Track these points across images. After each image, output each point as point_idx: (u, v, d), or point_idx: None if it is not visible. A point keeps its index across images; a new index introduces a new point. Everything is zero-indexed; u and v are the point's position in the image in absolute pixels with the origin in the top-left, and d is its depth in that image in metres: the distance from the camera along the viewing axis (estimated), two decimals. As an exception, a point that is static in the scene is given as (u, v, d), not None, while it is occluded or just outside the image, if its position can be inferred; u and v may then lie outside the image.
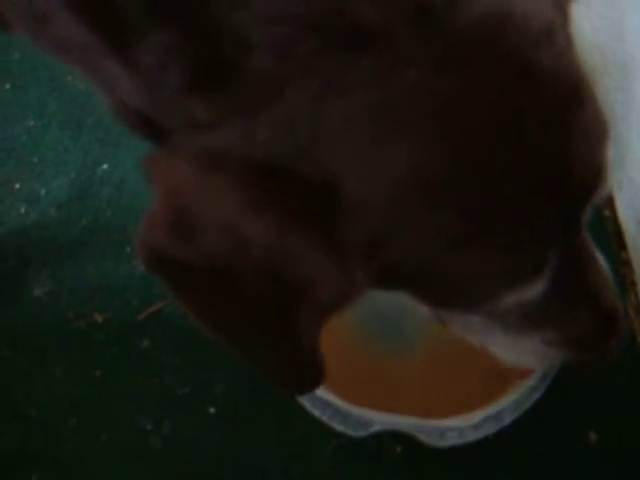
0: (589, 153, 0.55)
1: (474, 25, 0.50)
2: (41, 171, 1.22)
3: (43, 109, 1.27)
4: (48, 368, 1.07)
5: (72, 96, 1.27)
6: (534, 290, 0.59)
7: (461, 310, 0.64)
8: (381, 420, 0.95)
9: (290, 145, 0.50)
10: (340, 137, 0.50)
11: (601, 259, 0.65)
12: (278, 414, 1.02)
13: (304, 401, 0.97)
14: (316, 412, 0.97)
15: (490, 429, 0.96)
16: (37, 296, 1.12)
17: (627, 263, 1.11)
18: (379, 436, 0.98)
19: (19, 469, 1.02)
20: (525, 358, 0.73)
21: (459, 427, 0.94)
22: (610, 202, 1.14)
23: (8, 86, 1.29)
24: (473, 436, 0.95)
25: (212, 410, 1.04)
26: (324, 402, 0.96)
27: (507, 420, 0.96)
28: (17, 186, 1.21)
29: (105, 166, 1.22)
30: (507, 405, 0.95)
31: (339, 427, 0.96)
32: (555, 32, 0.53)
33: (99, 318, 1.10)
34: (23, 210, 1.19)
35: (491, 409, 0.95)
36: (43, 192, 1.20)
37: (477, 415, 0.94)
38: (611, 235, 1.13)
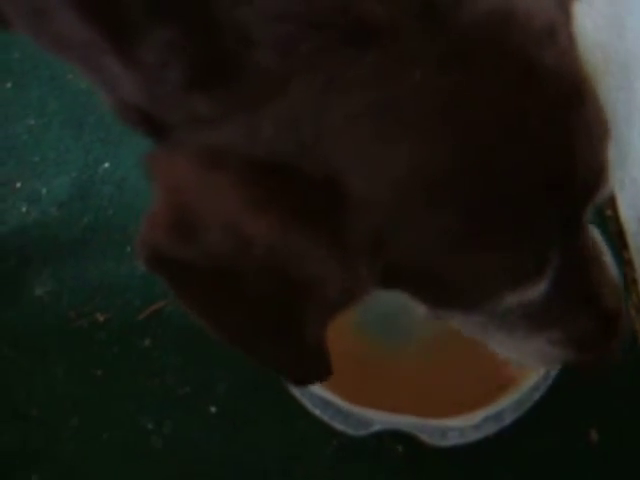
0: (591, 152, 0.55)
1: (478, 22, 0.49)
2: (42, 170, 1.22)
3: (44, 108, 1.27)
4: (49, 368, 1.07)
5: (73, 95, 1.27)
6: (536, 290, 0.59)
7: (462, 310, 0.64)
8: (382, 420, 0.95)
9: (293, 142, 0.50)
10: (343, 134, 0.50)
11: (608, 259, 0.65)
12: (279, 414, 1.02)
13: (305, 401, 0.97)
14: (317, 412, 0.97)
15: (491, 429, 0.96)
16: (38, 295, 1.12)
17: (629, 263, 1.11)
18: (380, 436, 0.98)
19: (19, 469, 1.02)
20: (529, 358, 0.73)
21: (460, 427, 0.94)
22: (612, 202, 1.14)
23: (9, 85, 1.29)
24: (474, 436, 0.95)
25: (213, 410, 1.04)
26: (325, 402, 0.95)
27: (508, 420, 0.96)
28: (18, 185, 1.21)
29: (106, 165, 1.22)
30: (508, 405, 0.95)
31: (340, 427, 0.96)
32: (557, 31, 0.53)
33: (100, 317, 1.10)
34: (24, 209, 1.19)
35: (492, 409, 0.95)
36: (44, 191, 1.20)
37: (478, 415, 0.94)
38: (613, 235, 1.13)
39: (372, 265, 0.54)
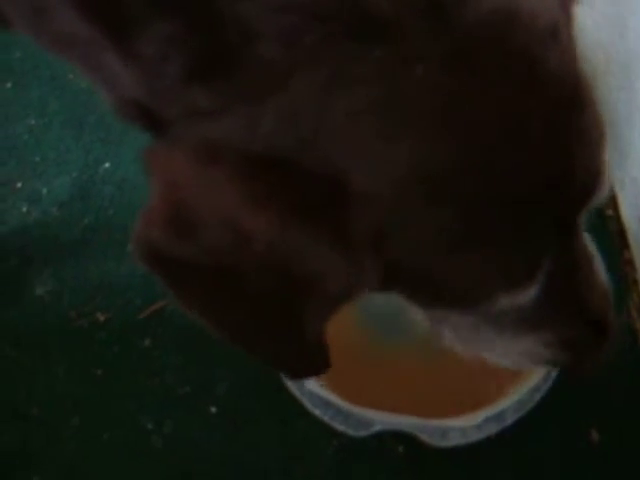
0: (589, 155, 0.55)
1: (482, 21, 0.49)
2: (43, 170, 1.22)
3: (45, 108, 1.27)
4: (50, 367, 1.07)
5: (74, 95, 1.27)
6: (528, 293, 0.59)
7: (457, 311, 0.64)
8: (382, 420, 0.95)
9: (293, 137, 0.50)
10: (345, 130, 0.50)
11: (601, 267, 0.65)
12: (279, 414, 1.02)
13: (305, 401, 0.97)
14: (317, 412, 0.97)
15: (492, 429, 0.96)
16: (39, 295, 1.12)
17: (629, 262, 1.11)
18: (380, 436, 0.98)
19: (20, 469, 1.02)
20: (518, 359, 0.73)
21: (461, 427, 0.94)
22: (612, 201, 1.14)
23: (9, 85, 1.29)
24: (475, 436, 0.95)
25: (213, 409, 1.04)
26: (325, 402, 0.95)
27: (509, 420, 0.96)
28: (19, 185, 1.21)
29: (107, 165, 1.22)
30: (509, 405, 0.95)
31: (340, 427, 0.96)
32: (560, 31, 0.53)
33: (101, 317, 1.10)
34: (25, 209, 1.19)
35: (493, 409, 0.95)
36: (45, 191, 1.20)
37: (479, 415, 0.94)
38: (614, 234, 1.13)
39: (373, 261, 0.54)
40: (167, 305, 1.09)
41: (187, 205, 0.52)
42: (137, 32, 0.51)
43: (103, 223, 1.17)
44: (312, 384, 0.95)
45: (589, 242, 0.62)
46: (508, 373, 0.94)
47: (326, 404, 0.96)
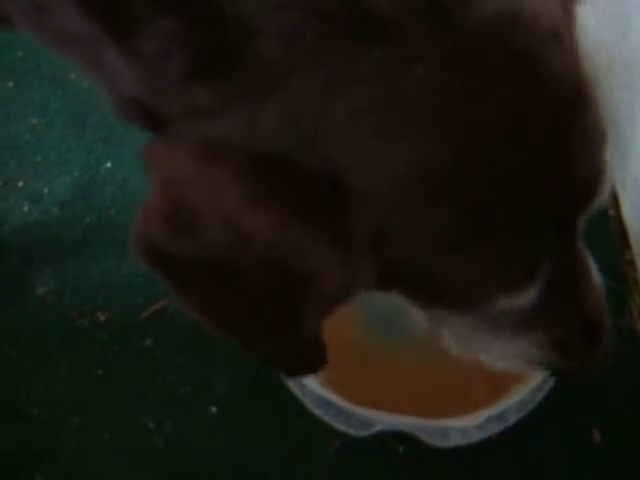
0: (590, 156, 0.55)
1: (485, 22, 0.49)
2: (44, 170, 1.22)
3: (46, 107, 1.27)
4: (50, 367, 1.07)
5: (75, 94, 1.27)
6: (527, 294, 0.59)
7: (457, 312, 0.64)
8: (383, 420, 0.95)
9: (293, 136, 0.50)
10: (345, 130, 0.50)
11: (594, 272, 0.65)
12: (280, 414, 1.02)
13: (306, 401, 0.97)
14: (318, 412, 0.97)
15: (494, 429, 0.96)
16: (40, 295, 1.12)
17: (631, 263, 1.11)
18: (381, 436, 0.98)
19: (22, 469, 1.02)
20: (513, 361, 0.73)
21: (463, 427, 0.94)
22: (614, 201, 1.14)
23: (11, 84, 1.29)
24: (477, 436, 0.95)
25: (214, 409, 1.04)
26: (326, 402, 0.95)
27: (511, 420, 0.96)
28: (20, 184, 1.21)
29: (108, 165, 1.22)
30: (511, 405, 0.95)
31: (341, 427, 0.96)
32: (562, 32, 0.53)
33: (102, 317, 1.10)
34: (26, 209, 1.19)
35: (495, 409, 0.94)
36: (46, 191, 1.20)
37: (481, 415, 0.94)
38: (615, 234, 1.13)
39: (371, 261, 0.54)
40: (168, 305, 1.09)
41: (187, 202, 0.52)
42: (138, 29, 0.51)
43: (104, 223, 1.17)
44: (313, 384, 0.95)
45: (585, 251, 0.63)
46: (510, 373, 0.93)
47: (327, 404, 0.96)
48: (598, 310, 0.66)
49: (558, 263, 0.58)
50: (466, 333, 0.69)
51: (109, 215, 1.18)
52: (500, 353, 0.71)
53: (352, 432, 0.96)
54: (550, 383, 0.95)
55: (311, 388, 0.96)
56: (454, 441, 0.95)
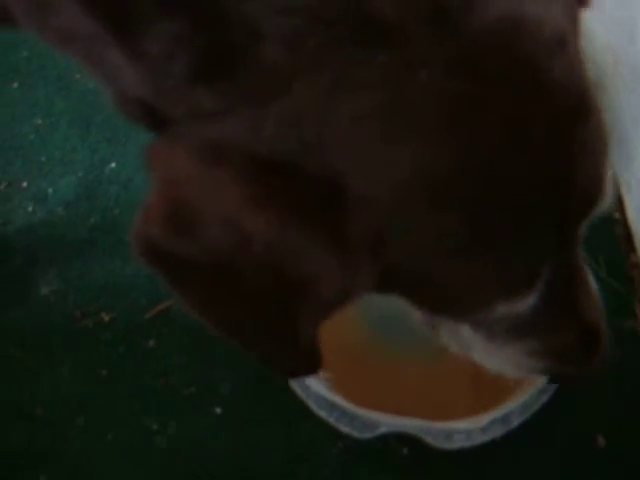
0: (592, 164, 0.55)
1: (488, 28, 0.49)
2: (49, 170, 1.22)
3: (51, 108, 1.27)
4: (55, 367, 1.07)
5: (80, 94, 1.27)
6: (526, 302, 0.59)
7: (454, 318, 0.64)
8: (387, 422, 0.95)
9: (296, 140, 0.50)
10: (348, 135, 0.50)
11: (592, 281, 0.65)
12: (284, 415, 1.02)
13: (310, 402, 0.97)
14: (322, 413, 0.96)
15: (497, 432, 0.95)
16: (44, 295, 1.12)
17: (637, 266, 1.11)
18: (385, 438, 0.98)
19: (26, 469, 1.02)
20: (505, 367, 0.73)
21: (466, 430, 0.94)
22: (619, 204, 1.14)
23: (16, 85, 1.29)
24: (480, 439, 0.95)
25: (218, 410, 1.04)
26: (330, 404, 0.95)
27: (515, 423, 0.95)
28: (25, 185, 1.21)
29: (113, 165, 1.22)
30: (515, 408, 0.95)
31: (345, 429, 0.96)
32: (566, 40, 0.52)
33: (106, 317, 1.10)
34: (31, 209, 1.19)
35: (499, 412, 0.94)
36: (51, 191, 1.20)
37: (484, 418, 0.94)
38: (620, 238, 1.13)
39: (370, 266, 0.54)
40: (172, 305, 1.09)
41: (187, 203, 0.52)
42: (143, 30, 0.51)
43: (109, 223, 1.17)
44: (317, 386, 0.95)
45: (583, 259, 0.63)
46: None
47: (331, 406, 0.95)
48: (596, 318, 0.66)
49: (557, 271, 0.58)
50: (464, 336, 0.69)
51: (113, 215, 1.18)
52: (496, 358, 0.71)
53: (356, 434, 0.96)
54: (554, 386, 0.95)
55: (315, 390, 0.95)
56: (458, 443, 0.95)
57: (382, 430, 0.95)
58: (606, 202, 0.57)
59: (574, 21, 0.55)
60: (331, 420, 0.96)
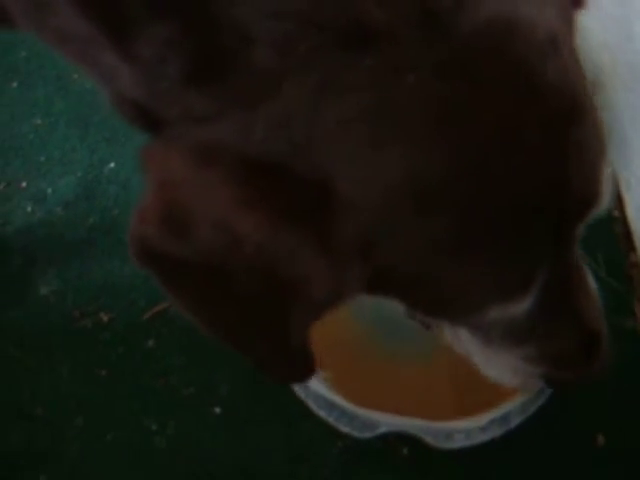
0: (588, 167, 0.55)
1: (480, 31, 0.49)
2: (48, 170, 1.22)
3: (50, 108, 1.27)
4: (54, 367, 1.07)
5: (79, 95, 1.27)
6: (521, 305, 0.58)
7: (448, 321, 0.64)
8: (387, 422, 0.95)
9: (285, 141, 0.50)
10: (336, 137, 0.50)
11: (592, 282, 0.65)
12: (284, 415, 1.02)
13: (310, 402, 0.97)
14: (322, 413, 0.96)
15: (497, 431, 0.95)
16: (43, 295, 1.12)
17: (636, 265, 1.11)
18: (385, 438, 0.98)
19: (26, 469, 1.02)
20: (502, 373, 0.73)
21: (466, 429, 0.94)
22: (619, 203, 1.13)
23: (15, 85, 1.29)
24: (480, 438, 0.95)
25: (217, 410, 1.04)
26: (330, 403, 0.95)
27: (514, 422, 0.95)
28: (24, 185, 1.21)
29: (112, 165, 1.22)
30: (514, 407, 0.94)
31: (345, 428, 0.96)
32: (560, 42, 0.52)
33: (105, 317, 1.10)
34: (30, 209, 1.19)
35: (498, 411, 0.94)
36: (50, 191, 1.20)
37: (484, 417, 0.94)
38: (620, 236, 1.12)
39: (360, 268, 0.54)
40: (171, 306, 1.09)
41: (181, 205, 0.52)
42: (135, 33, 0.51)
43: (108, 223, 1.17)
44: (317, 385, 0.95)
45: (582, 262, 0.62)
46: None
47: (331, 405, 0.95)
48: (596, 321, 0.65)
49: (555, 273, 0.57)
50: (463, 339, 0.69)
51: (112, 215, 1.18)
52: (494, 363, 0.71)
53: (356, 433, 0.96)
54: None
55: (315, 389, 0.95)
56: (458, 443, 0.95)
57: (382, 430, 0.95)
58: (604, 204, 0.57)
59: (568, 22, 0.55)
60: (331, 420, 0.96)
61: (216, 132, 0.51)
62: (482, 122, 0.50)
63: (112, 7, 0.51)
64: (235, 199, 0.50)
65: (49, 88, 1.28)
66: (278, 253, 0.51)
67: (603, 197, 0.56)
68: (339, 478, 1.00)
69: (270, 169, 0.50)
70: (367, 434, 0.96)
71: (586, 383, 0.72)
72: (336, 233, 0.51)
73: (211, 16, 0.49)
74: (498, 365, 0.71)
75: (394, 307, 0.62)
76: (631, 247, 1.12)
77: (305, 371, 0.65)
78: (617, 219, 1.14)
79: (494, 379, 0.75)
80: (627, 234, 1.12)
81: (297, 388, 0.97)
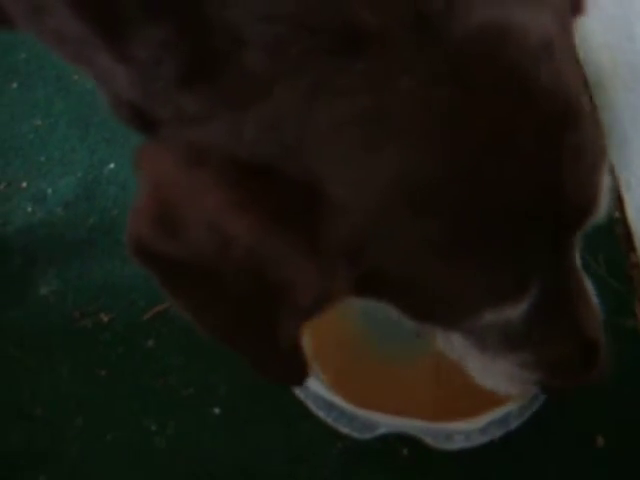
0: (584, 172, 0.54)
1: (472, 36, 0.49)
2: (48, 170, 1.22)
3: (50, 108, 1.27)
4: (54, 367, 1.07)
5: (79, 95, 1.27)
6: (515, 310, 0.58)
7: (442, 326, 0.64)
8: (387, 423, 0.94)
9: (276, 142, 0.50)
10: (327, 140, 0.50)
11: (590, 288, 0.64)
12: (283, 415, 1.02)
13: (309, 403, 0.97)
14: (321, 414, 0.96)
15: (497, 433, 0.95)
16: (43, 295, 1.12)
17: (636, 265, 1.10)
18: (385, 438, 0.97)
19: (26, 469, 1.02)
20: (498, 380, 0.72)
21: (465, 430, 0.94)
22: (619, 203, 1.13)
23: (15, 85, 1.29)
24: (479, 440, 0.95)
25: (217, 411, 1.04)
26: (330, 404, 0.95)
27: (514, 424, 0.95)
28: (24, 185, 1.21)
29: (112, 165, 1.22)
30: (514, 409, 0.94)
31: (345, 429, 0.96)
32: (554, 46, 0.52)
33: (105, 318, 1.10)
34: (30, 209, 1.19)
35: (498, 413, 0.94)
36: (50, 191, 1.20)
37: (484, 419, 0.94)
38: (620, 237, 1.12)
39: (349, 271, 0.54)
40: (171, 306, 1.08)
41: (173, 205, 0.53)
42: (130, 34, 0.51)
43: (108, 223, 1.17)
44: (316, 386, 0.95)
45: (580, 268, 0.62)
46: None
47: (330, 406, 0.95)
48: (594, 330, 0.65)
49: (552, 280, 0.57)
50: (456, 345, 0.69)
51: (112, 216, 1.18)
52: (489, 369, 0.70)
53: (356, 434, 0.96)
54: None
55: (314, 390, 0.95)
56: (458, 444, 0.95)
57: (382, 430, 0.95)
58: (602, 211, 0.56)
59: (565, 27, 0.54)
60: (330, 420, 0.96)
61: (207, 133, 0.51)
62: (475, 126, 0.49)
63: (108, 9, 0.51)
64: (226, 201, 0.51)
65: (49, 89, 1.29)
66: (268, 256, 0.51)
67: (601, 204, 0.55)
68: (339, 478, 1.00)
69: (261, 170, 0.50)
70: (367, 435, 0.96)
71: (582, 388, 0.71)
72: (325, 235, 0.51)
73: (204, 18, 0.49)
74: (493, 372, 0.70)
75: (390, 310, 0.62)
76: (631, 247, 1.12)
77: (297, 373, 0.65)
78: (617, 220, 1.13)
79: (489, 387, 0.74)
80: (627, 235, 1.12)
81: (296, 389, 0.97)
